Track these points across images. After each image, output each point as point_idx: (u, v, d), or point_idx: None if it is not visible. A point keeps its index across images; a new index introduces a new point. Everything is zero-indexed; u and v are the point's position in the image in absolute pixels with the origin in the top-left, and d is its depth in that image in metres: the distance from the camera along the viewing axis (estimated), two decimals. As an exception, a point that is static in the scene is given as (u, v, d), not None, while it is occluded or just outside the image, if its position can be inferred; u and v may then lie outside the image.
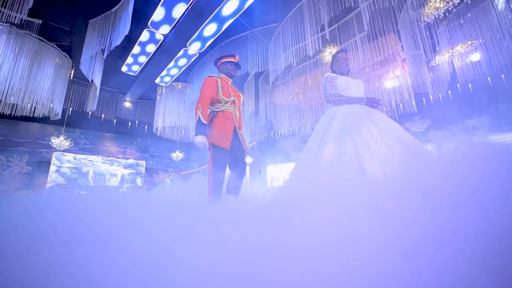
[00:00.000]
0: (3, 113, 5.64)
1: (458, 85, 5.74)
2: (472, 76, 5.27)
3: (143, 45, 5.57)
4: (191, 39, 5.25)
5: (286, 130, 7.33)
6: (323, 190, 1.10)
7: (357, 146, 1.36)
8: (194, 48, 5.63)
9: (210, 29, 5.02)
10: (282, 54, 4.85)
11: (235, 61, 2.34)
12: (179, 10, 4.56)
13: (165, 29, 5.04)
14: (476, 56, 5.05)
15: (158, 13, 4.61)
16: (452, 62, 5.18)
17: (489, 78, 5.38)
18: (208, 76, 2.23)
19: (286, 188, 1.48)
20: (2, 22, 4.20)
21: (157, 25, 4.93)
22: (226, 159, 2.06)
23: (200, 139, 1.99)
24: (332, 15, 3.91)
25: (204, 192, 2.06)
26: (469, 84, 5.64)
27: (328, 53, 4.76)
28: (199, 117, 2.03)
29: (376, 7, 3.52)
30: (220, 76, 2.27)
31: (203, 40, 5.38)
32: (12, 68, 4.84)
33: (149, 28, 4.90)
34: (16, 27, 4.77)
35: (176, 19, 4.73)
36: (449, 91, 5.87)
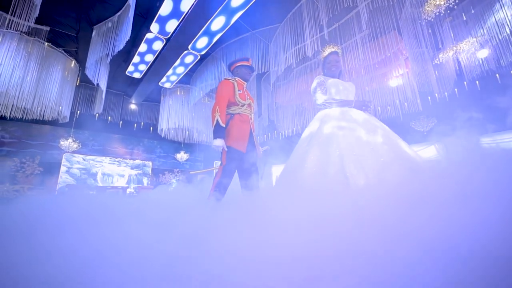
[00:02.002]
0: (15, 116, 5.89)
1: (465, 82, 5.58)
2: (480, 74, 5.12)
3: (145, 50, 5.68)
4: (197, 35, 5.11)
5: (289, 130, 7.32)
6: (303, 196, 1.11)
7: (342, 149, 1.36)
8: (200, 44, 5.49)
9: (218, 22, 4.85)
10: (283, 55, 4.85)
11: (248, 64, 2.38)
12: (187, 4, 4.42)
13: (171, 25, 4.91)
14: (483, 53, 4.90)
15: (166, 7, 4.46)
16: (458, 59, 5.04)
17: (497, 75, 5.21)
18: (225, 79, 2.26)
19: (269, 193, 1.50)
20: (12, 30, 4.39)
21: (164, 20, 4.78)
22: (240, 163, 2.05)
23: (219, 143, 1.96)
24: (331, 15, 3.89)
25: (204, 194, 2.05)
26: (477, 82, 5.48)
27: (328, 53, 4.73)
28: (217, 120, 2.01)
29: (375, 6, 3.47)
30: (235, 79, 2.30)
31: (211, 35, 5.20)
32: (22, 73, 5.04)
33: (151, 32, 4.99)
34: (26, 34, 4.96)
35: (184, 12, 4.58)
36: (456, 89, 5.72)
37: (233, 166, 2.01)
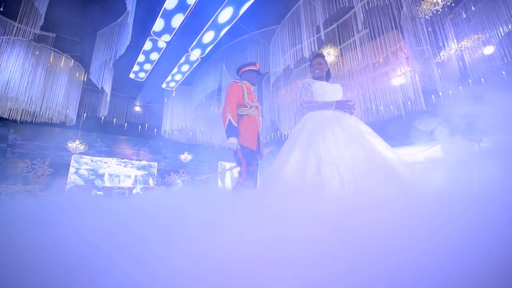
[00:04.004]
0: (25, 120, 6.14)
1: (469, 80, 5.45)
2: (485, 71, 5.00)
3: (147, 53, 5.80)
4: (204, 29, 4.99)
5: (291, 130, 7.33)
6: (278, 199, 1.14)
7: (320, 153, 1.38)
8: (206, 39, 5.38)
9: (225, 14, 4.72)
10: (281, 56, 4.86)
11: (256, 69, 2.49)
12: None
13: (177, 20, 4.79)
14: (489, 50, 4.78)
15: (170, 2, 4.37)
16: (463, 57, 4.93)
17: (503, 72, 5.07)
18: (234, 81, 2.38)
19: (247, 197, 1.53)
20: (20, 37, 4.58)
21: (169, 14, 4.65)
22: (254, 160, 2.20)
23: (234, 141, 2.10)
24: (327, 15, 3.88)
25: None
26: (482, 79, 5.33)
27: (326, 53, 4.72)
28: (229, 120, 2.15)
29: (371, 6, 3.45)
30: (244, 82, 2.42)
31: (217, 28, 5.05)
32: (31, 79, 5.26)
33: (152, 36, 5.10)
34: (33, 41, 5.16)
35: (190, 5, 4.45)
36: (460, 87, 5.59)
37: (250, 163, 2.15)
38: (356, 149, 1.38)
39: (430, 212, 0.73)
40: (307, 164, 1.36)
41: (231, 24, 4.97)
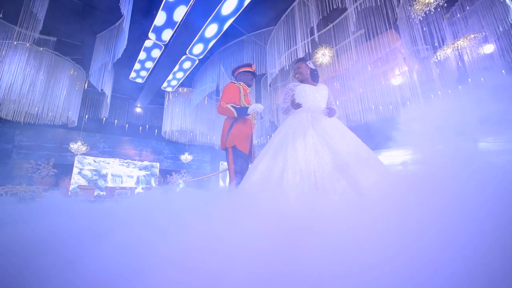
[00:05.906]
0: (29, 122, 6.29)
1: (469, 79, 5.36)
2: (484, 69, 4.92)
3: (147, 52, 5.85)
4: (207, 21, 4.78)
5: (290, 131, 7.32)
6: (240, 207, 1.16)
7: (287, 156, 1.40)
8: (208, 33, 5.15)
9: (228, 6, 4.52)
10: (277, 57, 4.88)
11: (251, 70, 2.50)
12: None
13: (179, 14, 4.64)
14: (489, 48, 4.71)
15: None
16: (461, 56, 4.87)
17: (503, 71, 4.97)
18: (231, 82, 2.39)
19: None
20: (21, 41, 4.70)
21: (171, 7, 4.48)
22: (244, 163, 2.21)
23: (255, 106, 2.13)
24: (321, 17, 3.88)
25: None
26: (481, 78, 5.23)
27: (321, 54, 4.72)
28: (232, 106, 2.17)
29: (363, 7, 3.44)
30: (240, 83, 2.42)
31: (221, 21, 4.85)
32: (33, 82, 5.38)
33: (151, 39, 5.17)
34: (35, 45, 5.29)
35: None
36: (460, 87, 5.50)
37: (240, 166, 2.16)
38: (323, 152, 1.39)
39: (371, 218, 0.74)
40: (274, 167, 1.38)
41: (235, 17, 4.72)
